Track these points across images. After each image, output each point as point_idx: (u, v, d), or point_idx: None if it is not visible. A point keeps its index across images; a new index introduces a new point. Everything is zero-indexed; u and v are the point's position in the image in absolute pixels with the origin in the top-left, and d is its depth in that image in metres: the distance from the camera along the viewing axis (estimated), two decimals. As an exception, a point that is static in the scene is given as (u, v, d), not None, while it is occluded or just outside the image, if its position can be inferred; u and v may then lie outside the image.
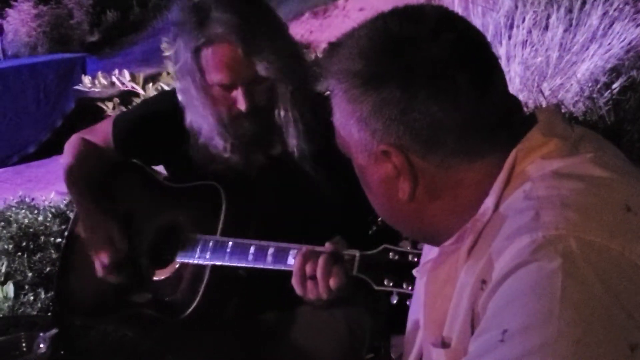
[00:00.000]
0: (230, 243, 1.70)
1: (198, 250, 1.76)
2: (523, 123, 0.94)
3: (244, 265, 1.67)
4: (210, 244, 1.74)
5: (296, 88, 1.70)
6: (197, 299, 1.73)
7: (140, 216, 1.92)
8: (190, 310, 1.73)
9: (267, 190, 1.80)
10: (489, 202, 0.91)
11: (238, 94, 1.67)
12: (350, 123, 0.95)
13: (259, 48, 1.63)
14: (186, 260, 1.79)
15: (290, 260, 1.59)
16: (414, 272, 1.15)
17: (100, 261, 1.80)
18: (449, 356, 0.93)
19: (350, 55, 0.94)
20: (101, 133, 1.97)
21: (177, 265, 1.81)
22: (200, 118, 1.74)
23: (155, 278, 1.85)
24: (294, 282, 1.51)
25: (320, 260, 1.48)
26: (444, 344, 0.94)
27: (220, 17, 1.63)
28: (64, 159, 1.98)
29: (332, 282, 1.47)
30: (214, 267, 1.73)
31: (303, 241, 1.58)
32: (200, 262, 1.75)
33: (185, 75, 1.71)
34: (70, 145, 1.99)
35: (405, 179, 0.94)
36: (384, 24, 0.93)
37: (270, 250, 1.63)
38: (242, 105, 1.67)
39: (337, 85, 0.96)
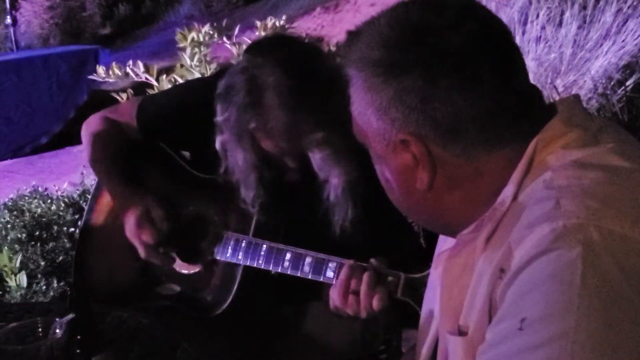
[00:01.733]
0: (265, 246, 1.69)
1: (230, 248, 1.74)
2: (543, 113, 0.94)
3: (278, 270, 1.66)
4: (243, 243, 1.73)
5: (354, 164, 1.63)
6: (230, 298, 1.73)
7: (169, 206, 1.85)
8: (222, 309, 1.73)
9: (300, 200, 1.76)
10: (508, 191, 0.91)
11: (289, 156, 1.66)
12: (368, 112, 0.95)
13: (315, 142, 1.59)
14: (218, 257, 1.77)
15: (329, 273, 1.57)
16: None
17: (143, 241, 1.74)
18: (466, 344, 0.93)
19: (370, 44, 0.94)
20: (124, 113, 1.91)
21: (207, 261, 1.79)
22: (237, 169, 1.70)
23: (183, 271, 1.83)
24: (336, 294, 1.49)
25: (366, 276, 1.46)
26: (461, 332, 0.94)
27: (276, 111, 1.55)
28: (85, 137, 1.92)
29: (376, 302, 1.45)
30: (246, 267, 1.72)
31: (334, 255, 1.57)
32: (232, 261, 1.73)
33: (230, 135, 1.66)
34: (91, 124, 1.93)
35: (424, 168, 0.93)
36: (405, 12, 0.93)
37: (308, 260, 1.61)
38: (290, 164, 1.67)
39: (356, 74, 0.96)
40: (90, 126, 1.93)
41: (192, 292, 1.80)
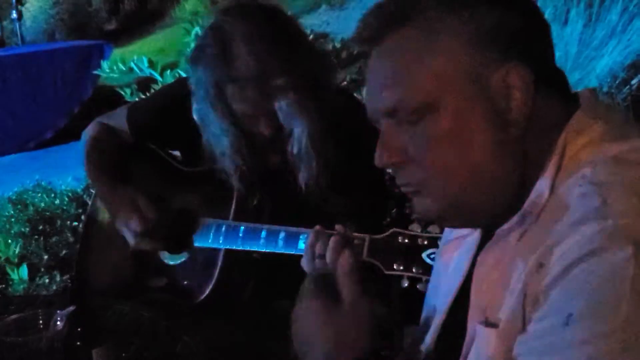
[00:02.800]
0: (242, 227, 1.72)
1: (211, 234, 1.77)
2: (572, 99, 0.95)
3: (255, 249, 1.69)
4: (223, 228, 1.76)
5: (317, 119, 1.66)
6: (212, 283, 1.75)
7: (154, 199, 1.90)
8: (205, 294, 1.75)
9: (279, 180, 1.78)
10: (543, 185, 0.90)
11: (261, 120, 1.66)
12: (456, 51, 0.90)
13: (281, 88, 1.60)
14: (200, 245, 1.80)
15: (301, 245, 1.60)
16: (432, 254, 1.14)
17: (131, 230, 1.77)
18: (498, 336, 0.91)
19: None
20: (118, 117, 1.98)
21: (192, 250, 1.83)
22: (215, 139, 1.72)
23: (171, 262, 1.87)
24: (304, 260, 1.51)
25: (332, 241, 1.46)
26: (491, 324, 0.93)
27: (244, 58, 1.58)
28: (83, 142, 1.99)
29: (342, 263, 1.44)
30: (227, 251, 1.75)
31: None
32: (214, 246, 1.76)
33: (204, 100, 1.68)
34: (88, 129, 2.00)
35: (526, 97, 0.90)
36: None
37: (281, 235, 1.64)
38: (265, 131, 1.67)
39: (442, 12, 0.91)
40: (87, 133, 1.99)
41: (180, 281, 1.84)
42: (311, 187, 1.70)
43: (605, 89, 3.43)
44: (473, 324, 0.97)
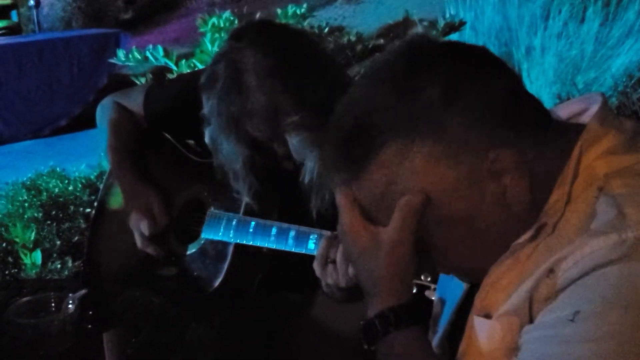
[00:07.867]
0: (253, 223, 1.72)
1: (222, 227, 1.78)
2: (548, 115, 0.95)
3: (265, 245, 1.69)
4: (234, 222, 1.76)
5: None
6: (222, 276, 1.76)
7: (167, 189, 1.92)
8: (214, 287, 1.76)
9: (292, 179, 1.77)
10: (558, 195, 0.89)
11: (274, 143, 1.68)
12: (439, 171, 0.89)
13: (293, 125, 1.60)
14: (210, 237, 1.81)
15: (311, 245, 1.60)
16: None
17: (140, 231, 1.81)
18: (500, 328, 0.91)
19: (398, 103, 0.90)
20: (134, 100, 1.96)
21: (202, 241, 1.83)
22: (229, 162, 1.72)
23: (181, 253, 1.87)
24: (315, 264, 1.51)
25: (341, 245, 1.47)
26: (489, 317, 0.93)
27: (256, 94, 1.58)
28: (101, 123, 1.97)
29: (351, 269, 1.44)
30: (237, 245, 1.75)
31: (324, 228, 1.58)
32: (224, 239, 1.77)
33: (218, 128, 1.68)
34: (106, 109, 1.98)
35: (521, 178, 0.89)
36: (394, 55, 0.93)
37: (292, 233, 1.64)
38: (279, 150, 1.68)
39: (400, 147, 0.89)
40: (105, 111, 1.98)
41: (189, 272, 1.85)
42: (323, 215, 1.68)
43: (620, 88, 3.42)
44: (472, 320, 0.97)
